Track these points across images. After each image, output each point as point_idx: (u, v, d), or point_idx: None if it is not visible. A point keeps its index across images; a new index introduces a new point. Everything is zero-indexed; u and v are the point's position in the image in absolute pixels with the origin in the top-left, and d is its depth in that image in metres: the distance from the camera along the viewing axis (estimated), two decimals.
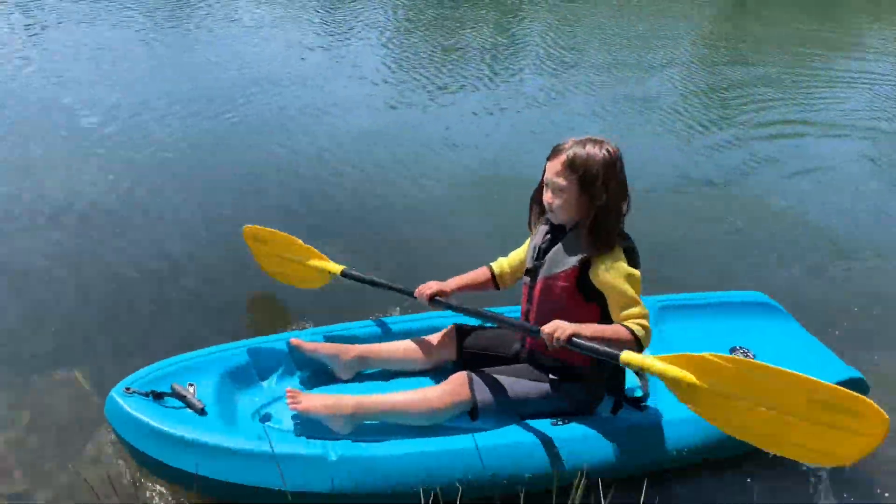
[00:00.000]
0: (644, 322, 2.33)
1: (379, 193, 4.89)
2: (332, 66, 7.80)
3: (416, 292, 2.78)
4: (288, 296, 3.61)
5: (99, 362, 3.05)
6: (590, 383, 2.54)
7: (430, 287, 2.75)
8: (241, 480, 2.27)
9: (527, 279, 2.57)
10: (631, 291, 2.33)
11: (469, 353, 2.72)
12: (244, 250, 3.63)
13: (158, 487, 2.44)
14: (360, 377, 2.78)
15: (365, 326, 2.95)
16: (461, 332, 2.77)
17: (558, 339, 2.29)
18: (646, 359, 2.24)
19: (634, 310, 2.34)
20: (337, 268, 3.17)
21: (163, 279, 3.72)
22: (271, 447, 2.25)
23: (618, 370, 2.57)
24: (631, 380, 2.71)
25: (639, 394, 2.68)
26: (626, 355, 2.24)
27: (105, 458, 2.56)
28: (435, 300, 2.74)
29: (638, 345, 2.32)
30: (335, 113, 6.30)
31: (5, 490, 2.46)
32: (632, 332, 2.31)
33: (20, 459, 2.58)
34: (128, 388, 2.44)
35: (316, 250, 3.29)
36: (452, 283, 2.79)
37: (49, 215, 4.21)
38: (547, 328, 2.33)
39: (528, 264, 2.57)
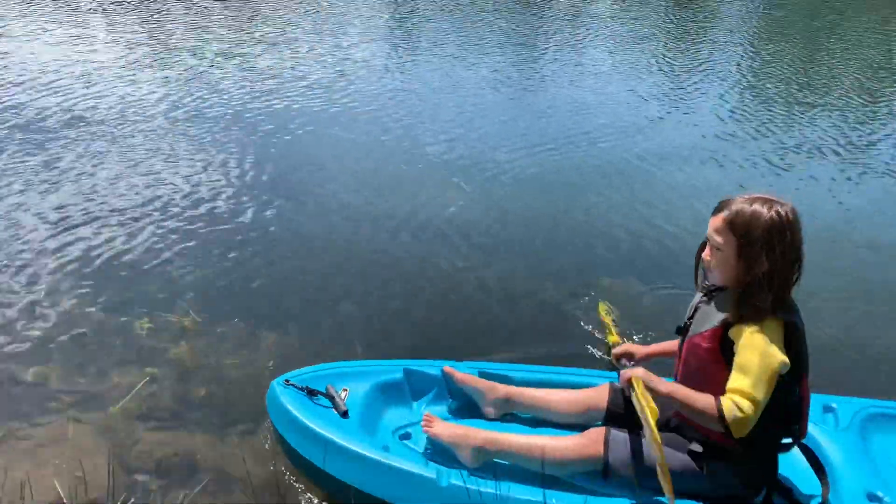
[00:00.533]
0: (744, 403, 2.05)
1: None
2: (668, 114, 7.59)
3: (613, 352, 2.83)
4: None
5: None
6: (741, 467, 2.25)
7: (624, 346, 2.75)
8: (353, 482, 2.41)
9: (679, 338, 2.41)
10: (753, 366, 2.04)
11: (617, 412, 2.58)
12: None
13: (292, 473, 2.66)
14: (506, 418, 2.75)
15: (522, 370, 2.92)
16: (616, 391, 2.63)
17: (625, 379, 2.25)
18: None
19: (744, 385, 2.05)
20: (612, 339, 3.24)
21: (437, 294, 4.01)
22: (388, 459, 2.37)
23: (771, 455, 2.27)
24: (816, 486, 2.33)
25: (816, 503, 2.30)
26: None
27: (259, 438, 2.85)
28: (620, 357, 2.74)
29: (722, 423, 2.07)
30: (662, 165, 6.10)
31: (170, 448, 2.82)
32: (719, 406, 2.07)
33: (193, 424, 2.95)
34: (287, 381, 2.70)
35: (612, 326, 3.40)
36: (651, 348, 2.74)
37: (372, 220, 4.76)
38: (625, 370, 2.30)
39: (682, 322, 2.40)
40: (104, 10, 10.27)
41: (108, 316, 3.56)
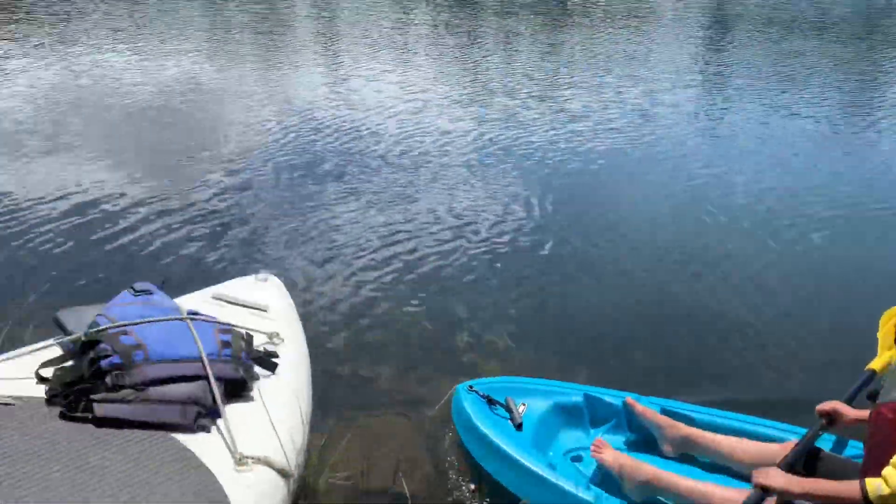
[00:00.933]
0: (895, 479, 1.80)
1: None
2: None
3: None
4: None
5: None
6: None
7: (832, 404, 2.51)
8: (515, 491, 2.56)
9: (871, 404, 2.21)
10: None
11: (799, 474, 2.34)
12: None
13: (464, 470, 2.86)
14: (683, 458, 2.72)
15: (707, 413, 2.84)
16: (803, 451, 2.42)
17: (756, 484, 2.10)
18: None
19: None
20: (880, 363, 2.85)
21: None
22: (548, 474, 2.47)
23: None
24: None
25: None
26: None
27: (441, 432, 3.11)
28: (825, 415, 2.49)
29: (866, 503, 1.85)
30: None
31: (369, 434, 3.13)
32: (863, 485, 1.86)
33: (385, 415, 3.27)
34: (471, 387, 2.91)
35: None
36: (862, 412, 2.45)
37: (649, 261, 4.91)
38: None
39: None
40: (434, 54, 11.41)
41: (435, 327, 4.01)
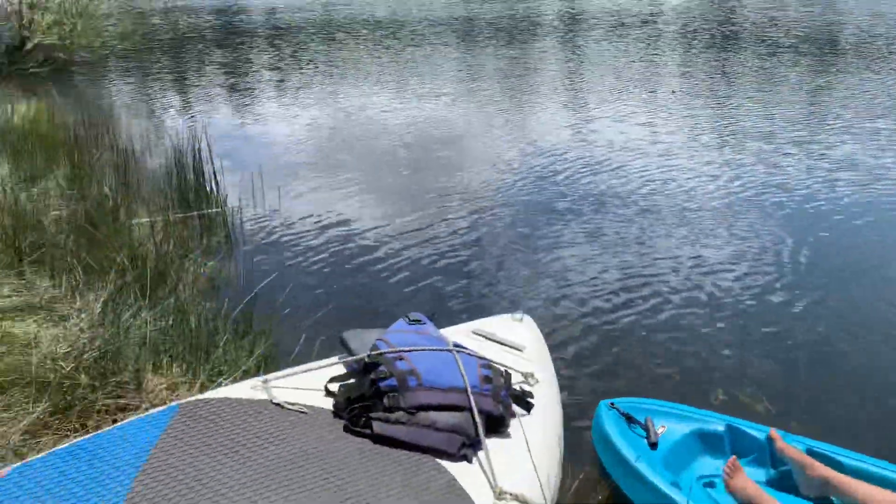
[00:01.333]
0: None
1: None
2: None
3: None
4: None
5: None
6: None
7: None
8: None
9: None
10: None
11: None
12: None
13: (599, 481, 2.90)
14: (821, 501, 2.59)
15: (856, 459, 2.68)
16: None
17: None
18: None
19: None
20: None
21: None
22: (673, 493, 2.46)
23: None
24: None
25: None
26: None
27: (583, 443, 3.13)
28: None
29: None
30: None
31: None
32: None
33: None
34: (612, 404, 2.96)
35: None
36: None
37: None
38: None
39: None
40: (685, 96, 11.12)
41: (680, 376, 3.91)
